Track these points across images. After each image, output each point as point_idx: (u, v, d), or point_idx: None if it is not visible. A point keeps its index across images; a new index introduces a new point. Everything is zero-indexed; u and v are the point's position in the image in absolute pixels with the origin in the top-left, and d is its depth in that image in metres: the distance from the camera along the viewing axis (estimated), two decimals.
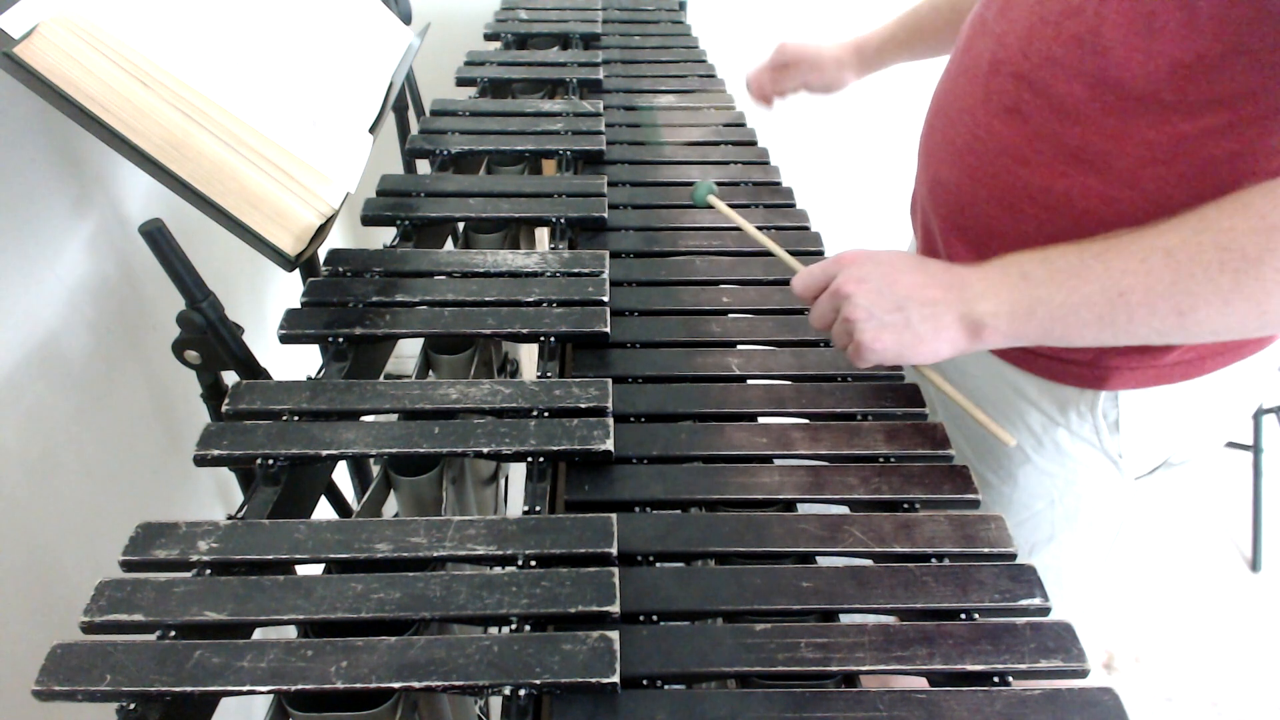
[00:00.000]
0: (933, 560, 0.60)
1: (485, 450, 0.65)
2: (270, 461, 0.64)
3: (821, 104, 1.16)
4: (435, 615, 0.54)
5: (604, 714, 0.51)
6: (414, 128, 1.16)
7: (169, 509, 1.07)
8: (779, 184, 1.03)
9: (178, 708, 0.51)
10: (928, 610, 0.57)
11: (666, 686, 0.53)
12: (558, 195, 0.96)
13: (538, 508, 0.63)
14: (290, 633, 0.55)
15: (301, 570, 0.59)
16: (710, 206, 0.84)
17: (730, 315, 0.83)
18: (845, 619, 0.57)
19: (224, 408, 0.68)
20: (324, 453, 0.65)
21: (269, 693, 0.50)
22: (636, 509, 0.64)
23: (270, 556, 0.57)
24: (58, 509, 0.86)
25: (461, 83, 1.23)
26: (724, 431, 0.70)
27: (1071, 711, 0.51)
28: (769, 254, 0.91)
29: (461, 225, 0.99)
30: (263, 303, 1.34)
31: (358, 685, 0.50)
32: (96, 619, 0.53)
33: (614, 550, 0.58)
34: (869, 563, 0.60)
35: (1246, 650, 1.65)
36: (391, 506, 0.78)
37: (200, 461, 0.64)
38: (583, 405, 0.69)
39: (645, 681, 0.53)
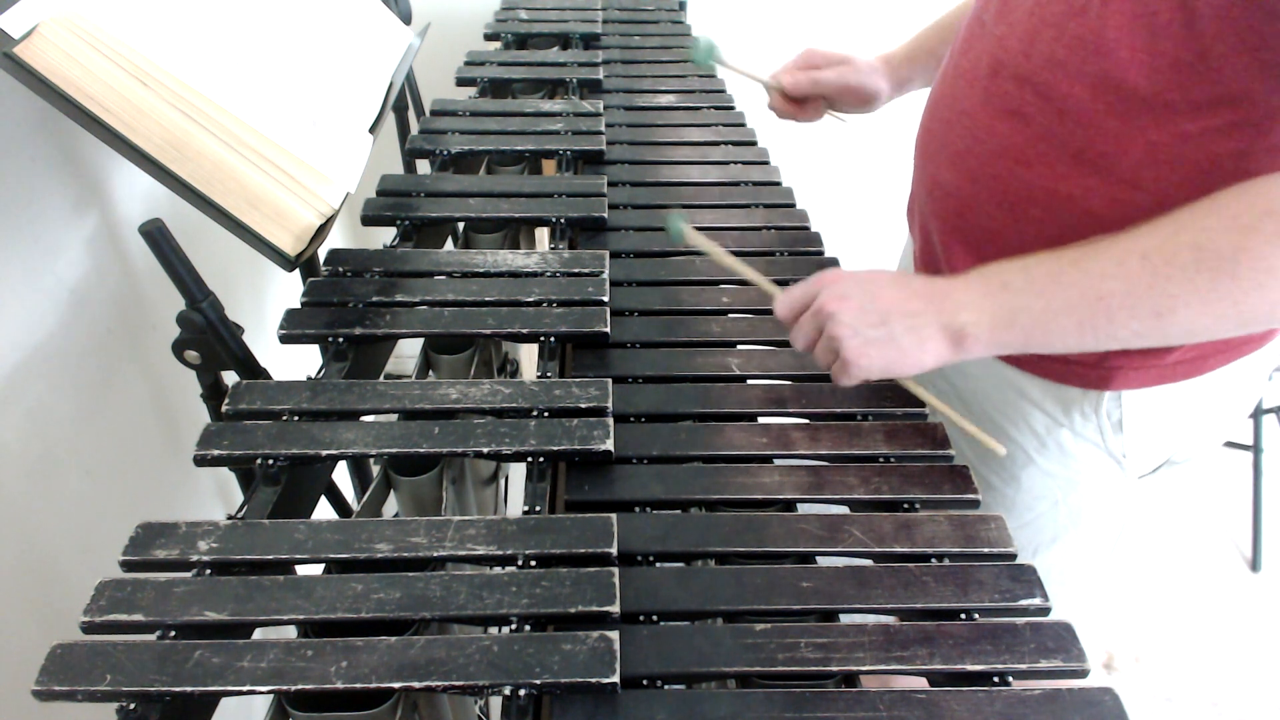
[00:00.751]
0: (933, 560, 0.60)
1: (485, 450, 0.65)
2: (270, 461, 0.64)
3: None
4: (435, 615, 0.54)
5: (604, 714, 0.51)
6: (414, 128, 1.16)
7: (169, 509, 1.07)
8: (779, 184, 1.03)
9: (178, 708, 0.51)
10: (928, 610, 0.57)
11: (666, 686, 0.53)
12: (558, 195, 0.96)
13: (538, 508, 0.63)
14: (290, 633, 0.55)
15: (301, 570, 0.59)
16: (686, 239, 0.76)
17: (730, 315, 0.83)
18: (845, 619, 0.57)
19: (224, 408, 0.68)
20: (324, 453, 0.65)
21: (269, 693, 0.50)
22: (636, 509, 0.64)
23: (270, 556, 0.57)
24: (58, 509, 0.86)
25: (461, 83, 1.23)
26: (724, 431, 0.70)
27: (1071, 711, 0.51)
28: (769, 255, 0.91)
29: (461, 225, 0.99)
30: (263, 303, 1.34)
31: (358, 685, 0.50)
32: (96, 619, 0.53)
33: (614, 550, 0.58)
34: (869, 563, 0.60)
35: (1246, 650, 1.65)
36: (391, 506, 0.78)
37: (200, 461, 0.64)
38: (583, 405, 0.69)
39: (645, 681, 0.53)
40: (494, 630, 0.54)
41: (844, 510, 0.65)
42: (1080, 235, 0.69)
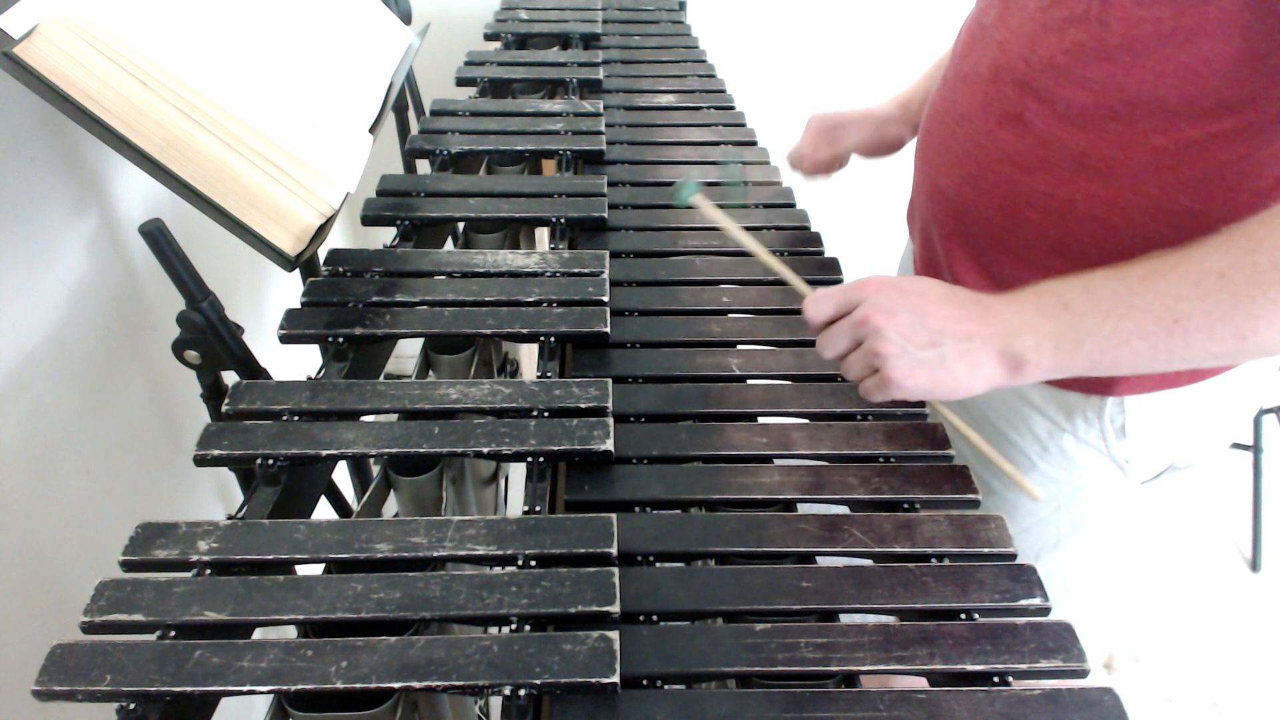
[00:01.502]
0: (933, 560, 0.60)
1: (485, 450, 0.65)
2: (270, 461, 0.64)
3: (816, 106, 1.13)
4: (435, 615, 0.54)
5: (604, 714, 0.51)
6: (414, 128, 1.16)
7: (169, 509, 1.07)
8: (779, 184, 1.03)
9: (178, 708, 0.51)
10: (928, 610, 0.57)
11: (666, 686, 0.53)
12: (558, 195, 0.96)
13: (538, 508, 0.63)
14: (290, 633, 0.55)
15: (301, 570, 0.59)
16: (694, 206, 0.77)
17: (730, 315, 0.83)
18: (845, 619, 0.57)
19: (224, 408, 0.68)
20: (324, 453, 0.65)
21: (269, 693, 0.50)
22: (636, 509, 0.64)
23: (270, 556, 0.57)
24: (58, 509, 0.86)
25: (461, 83, 1.23)
26: (724, 431, 0.70)
27: (1071, 711, 0.51)
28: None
29: (461, 225, 0.99)
30: (263, 303, 1.34)
31: (358, 685, 0.50)
32: (96, 619, 0.53)
33: (614, 550, 0.58)
34: (869, 563, 0.60)
35: (1246, 650, 1.65)
36: (391, 506, 0.78)
37: (200, 461, 0.64)
38: (583, 405, 0.69)
39: (645, 681, 0.53)
40: (494, 630, 0.54)
41: (844, 510, 0.65)
42: (1082, 240, 0.69)
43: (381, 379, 0.75)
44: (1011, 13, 0.70)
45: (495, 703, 1.22)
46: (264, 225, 0.73)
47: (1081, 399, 0.76)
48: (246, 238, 0.73)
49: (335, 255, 0.84)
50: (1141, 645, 1.65)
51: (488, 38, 1.38)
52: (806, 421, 0.72)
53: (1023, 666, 0.54)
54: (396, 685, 0.50)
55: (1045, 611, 0.57)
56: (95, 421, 0.92)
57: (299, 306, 0.79)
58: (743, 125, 1.16)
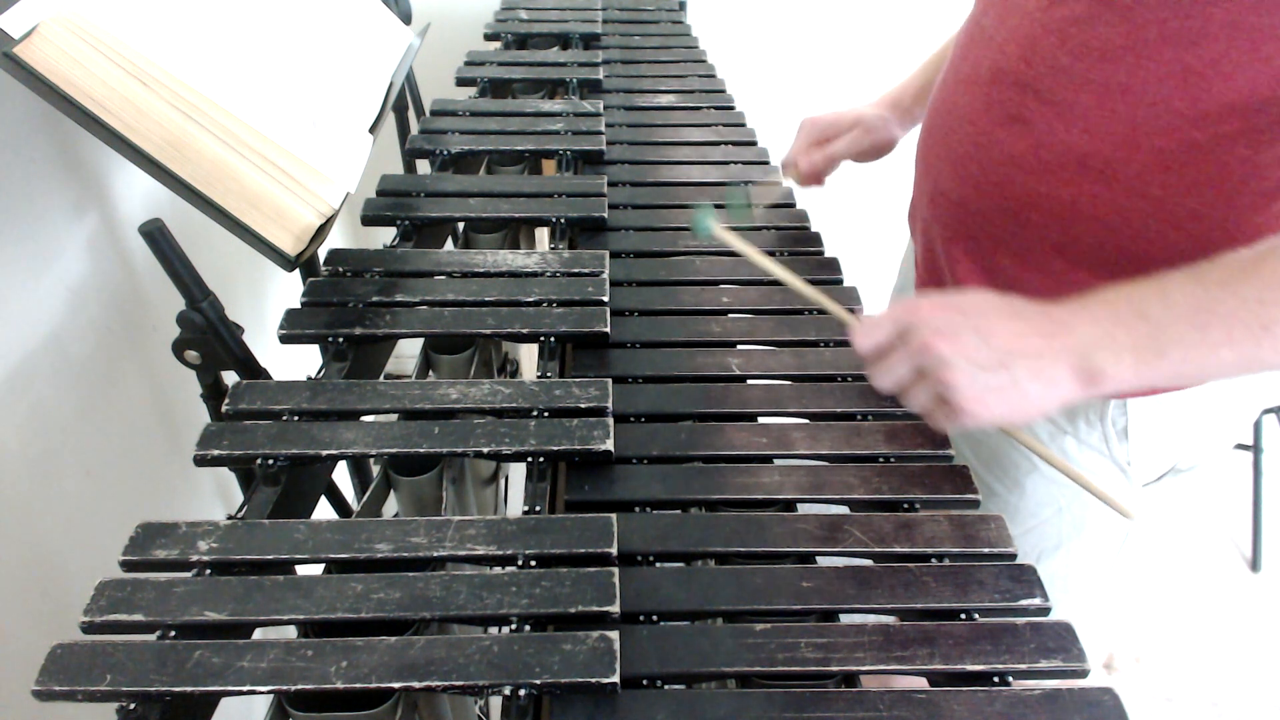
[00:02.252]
0: (933, 560, 0.60)
1: (485, 450, 0.65)
2: (270, 461, 0.64)
3: (816, 106, 1.13)
4: (435, 615, 0.54)
5: (604, 714, 0.51)
6: (414, 128, 1.16)
7: (169, 509, 1.07)
8: (779, 184, 1.03)
9: (178, 708, 0.51)
10: (928, 610, 0.57)
11: (666, 686, 0.53)
12: (558, 195, 0.96)
13: (538, 508, 0.63)
14: (290, 633, 0.55)
15: (301, 570, 0.59)
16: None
17: (730, 315, 0.83)
18: (845, 619, 0.57)
19: (224, 408, 0.68)
20: (324, 453, 0.65)
21: (269, 693, 0.50)
22: (636, 509, 0.64)
23: (270, 556, 0.57)
24: (58, 508, 0.86)
25: (461, 83, 1.23)
26: (724, 431, 0.70)
27: (1071, 712, 0.51)
28: (767, 255, 0.91)
29: (461, 225, 0.99)
30: (263, 303, 1.34)
31: (358, 685, 0.50)
32: (96, 619, 0.53)
33: (614, 550, 0.58)
34: (869, 563, 0.60)
35: (1246, 650, 1.65)
36: (391, 506, 0.78)
37: (200, 461, 0.64)
38: (583, 405, 0.69)
39: (645, 681, 0.53)
40: (494, 630, 0.54)
41: (844, 510, 0.65)
42: (1085, 242, 0.69)
43: (381, 379, 0.75)
44: (1011, 14, 0.70)
45: (495, 703, 1.22)
46: (264, 225, 0.73)
47: (1083, 401, 0.76)
48: (246, 238, 0.73)
49: (335, 255, 0.84)
50: (1141, 645, 1.65)
51: (488, 38, 1.38)
52: (806, 421, 0.72)
53: (1023, 666, 0.54)
54: (396, 685, 0.50)
55: (1045, 611, 0.57)
56: (95, 421, 0.92)
57: (299, 306, 0.79)
58: (743, 125, 1.16)
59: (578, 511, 0.62)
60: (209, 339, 0.74)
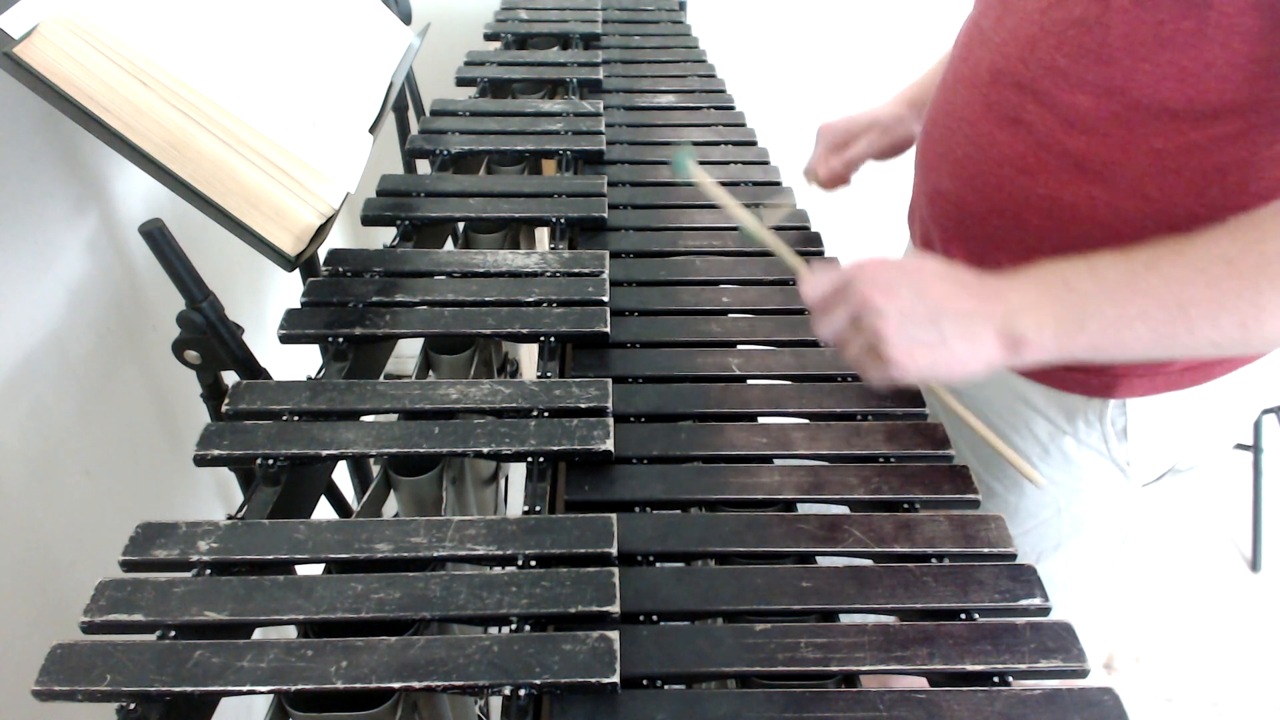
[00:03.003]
0: (933, 560, 0.60)
1: (485, 450, 0.65)
2: (270, 461, 0.64)
3: (816, 106, 1.13)
4: (435, 615, 0.54)
5: (604, 714, 0.51)
6: (414, 128, 1.16)
7: (169, 509, 1.07)
8: (779, 184, 1.03)
9: (178, 708, 0.51)
10: (928, 610, 0.57)
11: (666, 686, 0.53)
12: (558, 195, 0.96)
13: (538, 508, 0.63)
14: (290, 633, 0.55)
15: (301, 570, 0.59)
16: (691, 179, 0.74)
17: (730, 315, 0.83)
18: (845, 619, 0.57)
19: (224, 408, 0.68)
20: (324, 453, 0.65)
21: (269, 693, 0.50)
22: (636, 509, 0.64)
23: (270, 556, 0.57)
24: (58, 509, 0.86)
25: (461, 83, 1.23)
26: (724, 431, 0.70)
27: (1071, 711, 0.51)
28: (769, 254, 0.91)
29: (461, 225, 0.99)
30: (263, 303, 1.34)
31: (358, 685, 0.50)
32: (96, 619, 0.53)
33: (614, 550, 0.58)
34: (869, 563, 0.60)
35: (1246, 650, 1.65)
36: (391, 506, 0.78)
37: (200, 461, 0.64)
38: (583, 405, 0.69)
39: (645, 681, 0.53)
40: (494, 630, 0.54)
41: (844, 510, 0.65)
42: (1083, 243, 0.69)
43: (381, 379, 0.75)
44: (1010, 15, 0.70)
45: (495, 703, 1.22)
46: (264, 225, 0.73)
47: (1083, 401, 0.76)
48: (246, 238, 0.73)
49: (335, 255, 0.84)
50: (1141, 645, 1.65)
51: (488, 38, 1.38)
52: (806, 421, 0.72)
53: (1023, 666, 0.54)
54: (396, 685, 0.50)
55: (1045, 611, 0.57)
56: (95, 421, 0.92)
57: (299, 306, 0.79)
58: (743, 125, 1.16)
59: (578, 511, 0.62)
60: (209, 339, 0.74)
